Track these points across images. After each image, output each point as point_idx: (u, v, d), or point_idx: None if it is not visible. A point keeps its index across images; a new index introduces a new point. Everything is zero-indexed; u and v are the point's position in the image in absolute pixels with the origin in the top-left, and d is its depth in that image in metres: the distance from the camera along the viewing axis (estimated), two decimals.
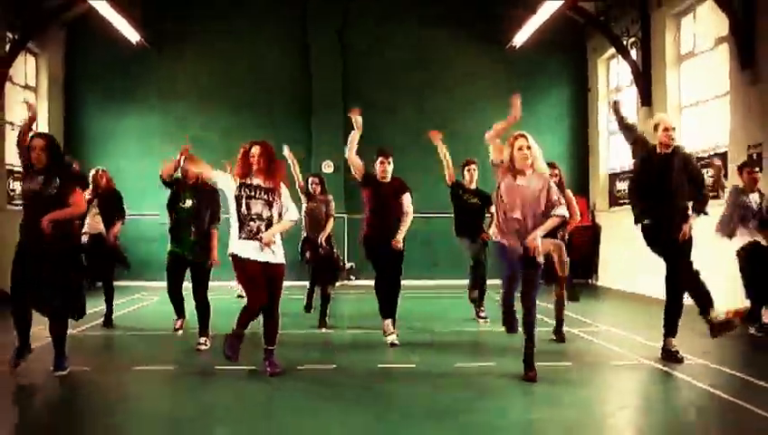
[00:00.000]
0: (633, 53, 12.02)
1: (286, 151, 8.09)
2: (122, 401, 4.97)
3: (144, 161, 13.69)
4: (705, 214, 6.15)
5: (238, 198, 5.47)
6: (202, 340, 6.68)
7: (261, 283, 5.43)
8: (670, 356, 5.93)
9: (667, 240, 5.98)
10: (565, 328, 7.11)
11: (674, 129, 6.12)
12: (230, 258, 5.54)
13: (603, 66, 14.13)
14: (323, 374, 5.67)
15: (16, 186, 11.96)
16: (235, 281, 8.65)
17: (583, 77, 14.48)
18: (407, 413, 4.56)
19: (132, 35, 12.61)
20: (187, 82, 14.02)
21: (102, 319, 8.01)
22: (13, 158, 11.79)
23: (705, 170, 10.17)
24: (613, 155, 13.93)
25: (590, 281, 13.64)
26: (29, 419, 4.65)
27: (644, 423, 4.50)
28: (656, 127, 6.17)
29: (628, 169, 12.94)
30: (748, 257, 7.43)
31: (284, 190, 5.65)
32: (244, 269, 5.46)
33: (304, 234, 8.45)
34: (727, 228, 7.58)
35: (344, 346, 7.04)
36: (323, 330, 7.83)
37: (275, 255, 5.51)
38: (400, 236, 6.90)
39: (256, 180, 5.54)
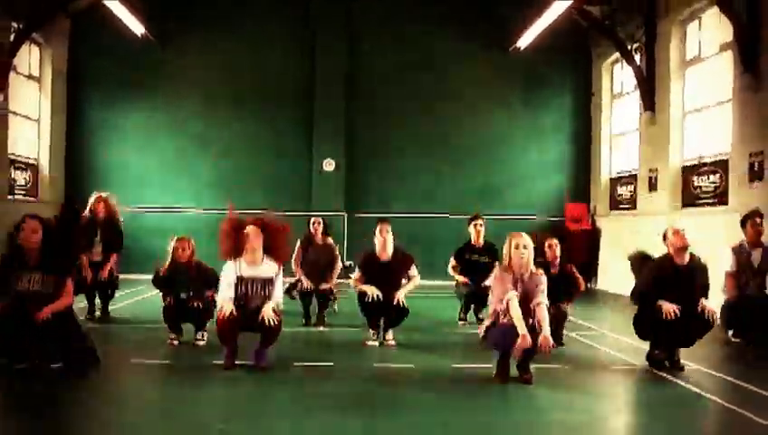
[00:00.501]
0: (637, 58, 12.02)
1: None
2: (118, 395, 4.98)
3: (146, 154, 13.73)
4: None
5: (236, 288, 5.39)
6: (199, 335, 6.67)
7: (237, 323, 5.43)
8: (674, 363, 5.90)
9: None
10: (564, 332, 7.09)
11: (684, 230, 5.81)
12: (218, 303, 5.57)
13: (607, 71, 14.13)
14: (320, 372, 5.67)
15: (17, 175, 11.96)
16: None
17: (587, 81, 14.48)
18: (403, 413, 4.56)
19: (137, 28, 12.62)
20: (191, 77, 14.02)
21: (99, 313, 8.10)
22: (15, 148, 11.81)
23: (708, 177, 10.24)
24: (615, 159, 13.94)
25: (589, 285, 13.64)
26: (27, 409, 4.65)
27: (641, 428, 4.50)
28: (665, 236, 5.87)
29: (629, 172, 12.97)
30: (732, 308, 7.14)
31: (279, 274, 5.54)
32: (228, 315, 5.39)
33: (297, 277, 8.06)
34: (735, 290, 7.17)
35: (341, 345, 7.03)
36: (321, 328, 7.83)
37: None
38: (402, 293, 6.66)
39: (252, 271, 5.41)
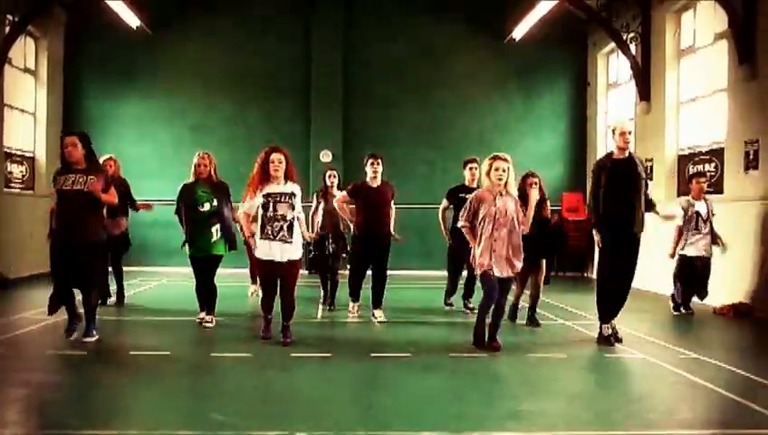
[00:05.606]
0: (633, 48, 12.03)
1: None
2: (116, 385, 5.01)
3: (143, 146, 13.73)
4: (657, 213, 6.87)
5: (265, 204, 5.93)
6: (208, 318, 6.96)
7: (273, 279, 6.22)
8: (606, 339, 6.39)
9: (627, 238, 6.31)
10: (559, 321, 7.17)
11: (630, 133, 6.37)
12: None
13: (603, 61, 14.14)
14: (319, 360, 5.73)
15: (14, 169, 11.96)
16: (251, 287, 9.39)
17: (583, 71, 14.49)
18: (399, 401, 4.61)
19: (133, 20, 12.59)
20: (188, 67, 14.02)
21: (115, 299, 8.47)
22: (10, 141, 11.80)
23: (703, 166, 10.27)
24: (610, 149, 13.94)
25: (584, 274, 13.72)
26: (25, 396, 4.70)
27: (634, 413, 4.55)
28: (614, 131, 6.43)
29: None
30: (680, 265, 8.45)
31: (298, 192, 6.11)
32: (262, 267, 6.25)
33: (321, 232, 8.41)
34: (679, 240, 8.42)
35: (341, 333, 7.10)
36: (327, 312, 8.16)
37: (293, 252, 6.05)
38: (392, 228, 7.66)
39: (278, 187, 5.94)
